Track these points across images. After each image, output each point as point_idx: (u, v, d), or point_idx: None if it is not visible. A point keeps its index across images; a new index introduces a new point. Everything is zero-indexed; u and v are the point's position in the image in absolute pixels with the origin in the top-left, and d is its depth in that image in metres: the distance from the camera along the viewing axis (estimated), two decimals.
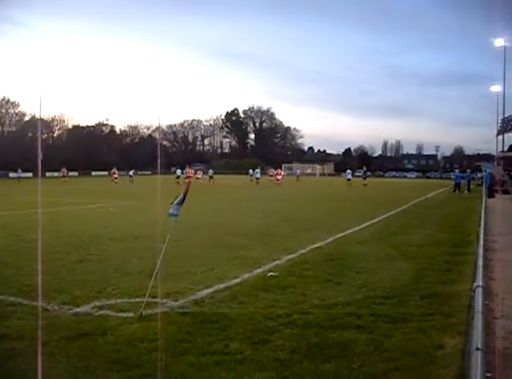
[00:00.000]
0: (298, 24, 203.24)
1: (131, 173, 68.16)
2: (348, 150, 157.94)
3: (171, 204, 7.40)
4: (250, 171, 72.78)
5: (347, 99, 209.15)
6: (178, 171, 62.62)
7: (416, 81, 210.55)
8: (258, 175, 64.25)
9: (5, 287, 8.60)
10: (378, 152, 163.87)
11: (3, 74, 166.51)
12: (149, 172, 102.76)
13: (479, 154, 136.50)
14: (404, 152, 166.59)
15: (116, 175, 63.04)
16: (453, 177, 47.91)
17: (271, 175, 70.23)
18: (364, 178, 58.03)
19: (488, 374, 4.08)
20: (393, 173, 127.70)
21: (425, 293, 8.48)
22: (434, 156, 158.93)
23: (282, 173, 66.58)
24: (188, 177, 55.61)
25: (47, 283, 8.65)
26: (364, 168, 62.83)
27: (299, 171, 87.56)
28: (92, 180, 74.43)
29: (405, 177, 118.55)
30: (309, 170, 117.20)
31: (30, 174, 71.48)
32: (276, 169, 71.36)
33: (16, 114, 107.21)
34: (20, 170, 70.97)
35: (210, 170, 70.03)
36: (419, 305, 7.81)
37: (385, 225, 19.02)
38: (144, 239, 14.09)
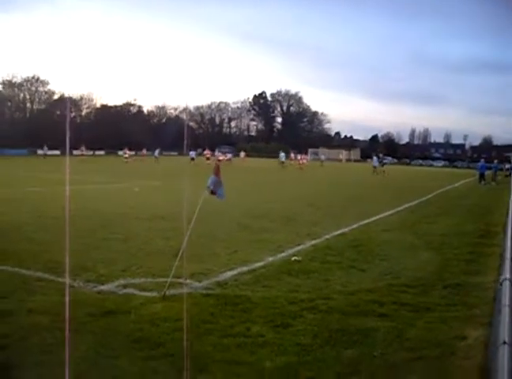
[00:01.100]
0: (322, 9, 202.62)
1: (156, 153, 68.17)
2: (375, 136, 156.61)
3: (208, 186, 7.47)
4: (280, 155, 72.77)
5: (372, 84, 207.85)
6: (192, 153, 61.62)
7: (442, 68, 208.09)
8: (283, 159, 64.24)
9: (32, 263, 8.75)
10: (405, 140, 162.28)
11: (33, 52, 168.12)
12: (175, 153, 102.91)
13: (508, 145, 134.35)
14: (432, 141, 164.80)
15: (127, 155, 63.14)
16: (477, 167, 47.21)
17: (291, 160, 70.28)
18: (382, 165, 57.10)
19: None
20: (420, 161, 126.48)
21: (449, 283, 8.42)
22: (462, 146, 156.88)
23: (306, 157, 66.61)
24: (208, 158, 56.03)
25: (73, 260, 8.74)
26: (381, 155, 62.29)
27: (323, 156, 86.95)
28: (118, 159, 74.83)
29: (432, 165, 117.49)
30: (337, 156, 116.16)
31: (57, 152, 71.92)
32: (297, 153, 71.58)
33: (46, 93, 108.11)
34: (46, 148, 71.25)
35: (242, 153, 70.55)
36: (442, 295, 7.77)
37: (411, 213, 18.86)
38: (169, 219, 14.16)
